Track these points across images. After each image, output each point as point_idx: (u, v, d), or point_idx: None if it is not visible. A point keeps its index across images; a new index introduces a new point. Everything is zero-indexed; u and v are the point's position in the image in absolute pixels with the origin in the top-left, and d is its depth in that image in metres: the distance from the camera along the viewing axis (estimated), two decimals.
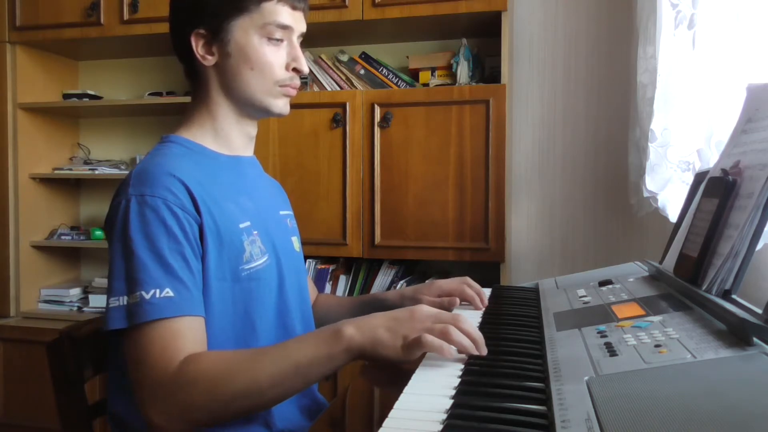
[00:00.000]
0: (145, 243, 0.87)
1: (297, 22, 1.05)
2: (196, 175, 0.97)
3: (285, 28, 1.03)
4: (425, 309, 0.85)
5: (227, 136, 1.08)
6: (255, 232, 1.02)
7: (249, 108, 1.07)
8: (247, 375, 0.81)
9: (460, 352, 0.81)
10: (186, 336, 0.86)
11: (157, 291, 0.85)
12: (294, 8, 1.04)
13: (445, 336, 0.80)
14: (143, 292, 0.85)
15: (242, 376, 0.81)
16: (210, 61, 1.03)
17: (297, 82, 1.07)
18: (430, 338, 0.79)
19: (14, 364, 2.51)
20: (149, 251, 0.87)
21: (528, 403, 0.64)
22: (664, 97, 1.54)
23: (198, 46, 1.03)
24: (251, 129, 1.11)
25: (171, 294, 0.86)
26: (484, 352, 0.81)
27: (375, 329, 0.82)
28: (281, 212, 1.18)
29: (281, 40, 1.04)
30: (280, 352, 0.83)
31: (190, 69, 1.07)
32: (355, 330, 0.82)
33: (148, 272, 0.86)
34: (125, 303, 0.86)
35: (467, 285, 1.18)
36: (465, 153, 2.07)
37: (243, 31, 1.01)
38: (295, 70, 1.05)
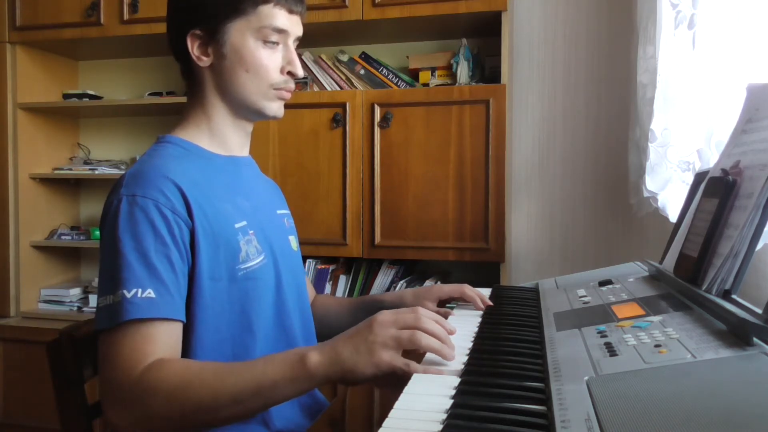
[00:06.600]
0: (131, 243, 0.87)
1: (293, 25, 1.05)
2: (191, 176, 0.97)
3: (281, 31, 1.03)
4: (383, 316, 0.81)
5: (223, 136, 1.08)
6: (251, 232, 1.02)
7: (243, 110, 1.07)
8: (208, 390, 0.80)
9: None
10: (158, 340, 0.85)
11: (139, 291, 0.85)
12: (291, 12, 1.04)
13: (415, 344, 0.79)
14: (125, 291, 0.85)
15: (202, 391, 0.80)
16: (205, 62, 1.03)
17: (291, 85, 1.07)
18: (414, 365, 0.78)
19: (14, 364, 2.51)
20: (135, 251, 0.87)
21: (528, 403, 0.64)
22: (664, 97, 1.54)
23: (194, 47, 1.03)
24: (248, 126, 1.12)
25: (152, 295, 0.85)
26: (450, 354, 0.80)
27: (338, 351, 0.79)
28: (278, 211, 1.18)
29: (277, 44, 1.04)
30: (245, 370, 0.81)
31: (186, 69, 1.07)
32: (319, 356, 0.79)
33: (131, 271, 0.86)
34: (110, 302, 0.85)
35: (467, 287, 1.18)
36: (465, 153, 2.06)
37: (239, 33, 1.01)
38: (290, 73, 1.06)
